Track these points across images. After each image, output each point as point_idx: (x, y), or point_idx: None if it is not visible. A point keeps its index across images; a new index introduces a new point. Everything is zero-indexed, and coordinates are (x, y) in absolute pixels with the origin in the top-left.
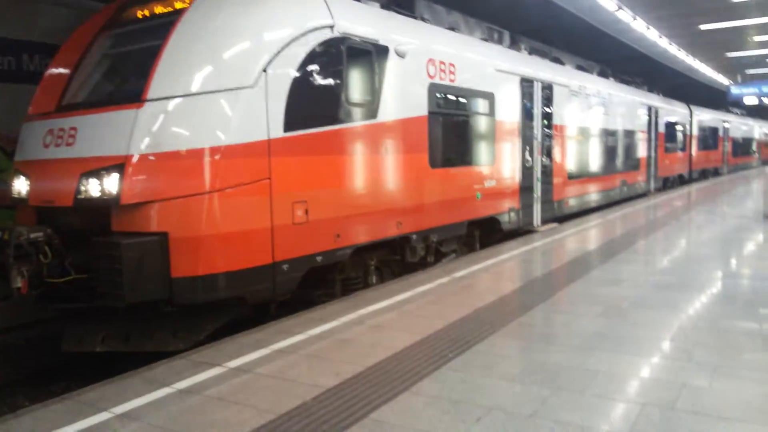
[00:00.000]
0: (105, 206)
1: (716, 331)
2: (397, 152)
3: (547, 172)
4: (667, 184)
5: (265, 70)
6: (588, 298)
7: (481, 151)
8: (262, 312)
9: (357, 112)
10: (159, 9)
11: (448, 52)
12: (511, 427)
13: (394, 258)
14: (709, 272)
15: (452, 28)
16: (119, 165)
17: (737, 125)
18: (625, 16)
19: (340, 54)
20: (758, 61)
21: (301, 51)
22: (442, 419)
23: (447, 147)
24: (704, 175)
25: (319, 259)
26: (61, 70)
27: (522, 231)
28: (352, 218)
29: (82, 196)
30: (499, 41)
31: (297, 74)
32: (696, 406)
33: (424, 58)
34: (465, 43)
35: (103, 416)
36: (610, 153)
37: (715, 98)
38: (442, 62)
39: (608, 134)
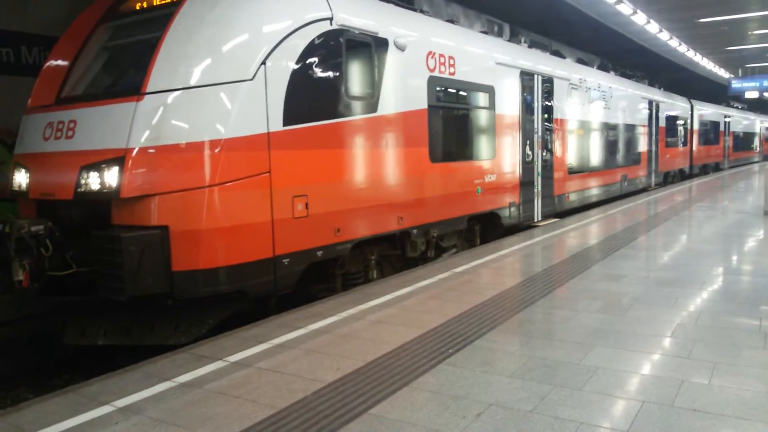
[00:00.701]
0: (105, 199)
1: (716, 328)
2: (397, 146)
3: (548, 167)
4: (668, 178)
5: (264, 63)
6: (588, 294)
7: (482, 145)
8: (262, 306)
9: (357, 105)
10: (157, 0)
11: (448, 44)
12: (510, 423)
13: (394, 253)
14: (710, 268)
15: (452, 21)
16: (119, 158)
17: (738, 119)
18: (626, 9)
19: (339, 46)
20: (759, 55)
21: (300, 43)
22: (442, 415)
23: (447, 141)
24: (705, 169)
25: (319, 253)
26: (60, 62)
27: (522, 226)
28: (353, 212)
29: (82, 190)
30: (499, 34)
31: (296, 67)
32: (695, 404)
33: (423, 51)
34: (465, 35)
35: (105, 409)
36: (610, 147)
37: (716, 92)
38: (441, 55)
39: (609, 128)
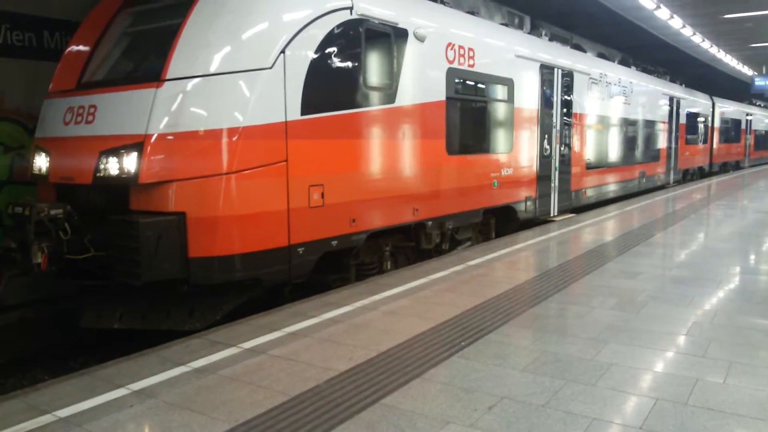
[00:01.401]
0: (123, 185)
1: (732, 327)
2: (414, 138)
3: (566, 162)
4: (687, 176)
5: (283, 52)
6: (603, 290)
7: (499, 138)
8: (276, 294)
9: (375, 96)
10: None
11: (468, 36)
12: (522, 416)
13: (409, 244)
14: (727, 267)
15: (472, 12)
16: (138, 144)
17: (760, 118)
18: (649, 3)
19: (358, 36)
20: None
21: (319, 33)
22: (454, 406)
23: (464, 133)
24: (725, 168)
25: (334, 243)
26: (81, 48)
27: (538, 220)
28: (368, 203)
29: (101, 174)
30: (520, 26)
31: (315, 56)
32: (710, 402)
33: (443, 43)
34: (485, 27)
35: (120, 392)
36: (629, 143)
37: (739, 89)
38: (461, 47)
39: (628, 124)
